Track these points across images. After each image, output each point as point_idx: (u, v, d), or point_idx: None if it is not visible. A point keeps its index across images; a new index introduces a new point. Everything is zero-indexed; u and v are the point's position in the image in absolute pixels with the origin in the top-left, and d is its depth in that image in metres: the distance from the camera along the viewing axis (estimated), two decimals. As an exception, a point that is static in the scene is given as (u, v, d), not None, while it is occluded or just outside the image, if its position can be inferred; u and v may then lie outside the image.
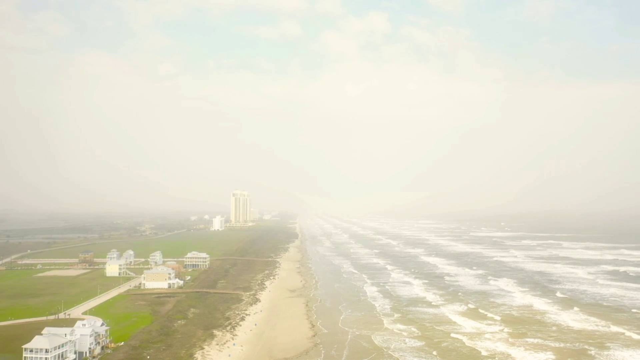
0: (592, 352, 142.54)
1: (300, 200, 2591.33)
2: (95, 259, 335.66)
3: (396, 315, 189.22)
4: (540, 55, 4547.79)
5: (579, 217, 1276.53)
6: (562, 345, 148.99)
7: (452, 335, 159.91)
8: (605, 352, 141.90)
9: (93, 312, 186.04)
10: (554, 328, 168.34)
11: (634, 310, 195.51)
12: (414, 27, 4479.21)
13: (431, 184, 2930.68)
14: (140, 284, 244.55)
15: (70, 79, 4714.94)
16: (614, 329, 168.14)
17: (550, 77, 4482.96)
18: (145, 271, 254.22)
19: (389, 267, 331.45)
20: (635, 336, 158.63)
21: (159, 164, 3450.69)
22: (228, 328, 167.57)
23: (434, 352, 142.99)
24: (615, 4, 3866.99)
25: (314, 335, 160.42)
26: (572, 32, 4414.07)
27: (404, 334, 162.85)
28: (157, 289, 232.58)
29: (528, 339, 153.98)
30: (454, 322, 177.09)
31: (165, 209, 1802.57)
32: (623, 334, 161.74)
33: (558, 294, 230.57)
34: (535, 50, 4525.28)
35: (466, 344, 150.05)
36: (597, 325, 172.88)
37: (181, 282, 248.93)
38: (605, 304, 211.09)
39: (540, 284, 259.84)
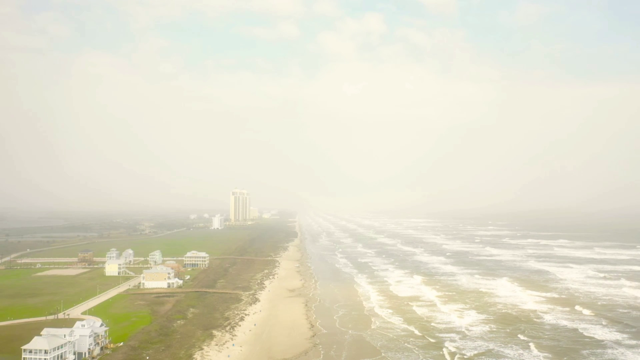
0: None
1: (301, 198, 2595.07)
2: (94, 258, 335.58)
3: (396, 314, 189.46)
4: (536, 56, 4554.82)
5: (576, 216, 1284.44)
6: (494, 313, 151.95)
7: (444, 332, 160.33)
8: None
9: (92, 312, 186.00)
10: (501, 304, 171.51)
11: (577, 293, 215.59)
12: (409, 28, 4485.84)
13: (431, 183, 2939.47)
14: (139, 283, 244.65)
15: (72, 79, 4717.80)
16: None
17: (546, 77, 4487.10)
18: (144, 271, 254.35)
19: (385, 266, 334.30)
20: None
21: (163, 162, 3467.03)
22: (227, 328, 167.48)
23: (434, 352, 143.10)
24: (608, 6, 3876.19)
25: (313, 336, 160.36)
26: (566, 33, 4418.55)
27: (405, 333, 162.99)
28: (156, 288, 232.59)
29: (522, 336, 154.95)
30: (447, 320, 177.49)
31: (168, 207, 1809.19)
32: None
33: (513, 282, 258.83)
34: (530, 51, 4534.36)
35: (460, 340, 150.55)
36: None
37: (180, 282, 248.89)
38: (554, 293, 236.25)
39: (505, 276, 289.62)
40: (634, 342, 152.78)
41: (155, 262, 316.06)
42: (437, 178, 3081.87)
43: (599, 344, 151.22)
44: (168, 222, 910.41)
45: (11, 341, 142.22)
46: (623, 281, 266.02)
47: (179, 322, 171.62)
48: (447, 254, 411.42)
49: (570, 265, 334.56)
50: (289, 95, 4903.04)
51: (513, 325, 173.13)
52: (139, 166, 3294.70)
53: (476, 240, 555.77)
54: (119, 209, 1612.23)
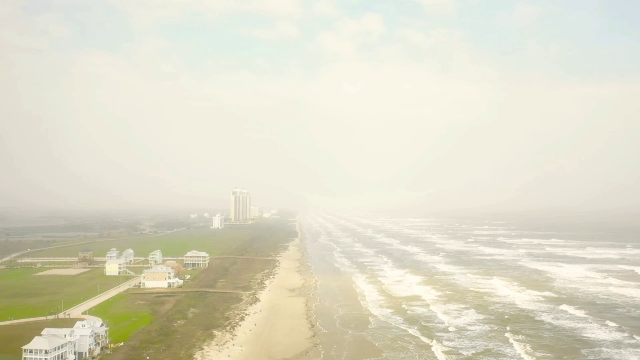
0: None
1: (301, 197, 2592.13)
2: (94, 258, 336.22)
3: (396, 314, 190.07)
4: (534, 56, 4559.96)
5: (574, 215, 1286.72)
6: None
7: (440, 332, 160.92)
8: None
9: (93, 311, 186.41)
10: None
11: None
12: (408, 29, 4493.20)
13: (431, 182, 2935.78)
14: (139, 283, 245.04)
15: (73, 79, 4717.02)
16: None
17: (545, 77, 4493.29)
18: (144, 270, 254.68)
19: (384, 266, 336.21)
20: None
21: (163, 162, 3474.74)
22: (227, 328, 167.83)
23: (435, 352, 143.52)
24: (606, 5, 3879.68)
25: (314, 336, 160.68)
26: (564, 33, 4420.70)
27: (404, 332, 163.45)
28: (156, 288, 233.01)
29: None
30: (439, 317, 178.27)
31: (168, 206, 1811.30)
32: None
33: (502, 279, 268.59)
34: (528, 51, 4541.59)
35: (452, 340, 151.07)
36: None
37: (181, 282, 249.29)
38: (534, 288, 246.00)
39: (495, 274, 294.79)
40: (631, 341, 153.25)
41: (156, 261, 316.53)
42: (436, 177, 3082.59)
43: (595, 342, 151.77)
44: (168, 221, 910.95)
45: (11, 341, 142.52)
46: (611, 280, 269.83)
47: (179, 321, 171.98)
48: (444, 253, 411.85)
49: (563, 264, 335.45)
50: (288, 95, 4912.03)
51: (510, 324, 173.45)
52: (139, 165, 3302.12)
53: (471, 240, 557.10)
54: (120, 209, 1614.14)
